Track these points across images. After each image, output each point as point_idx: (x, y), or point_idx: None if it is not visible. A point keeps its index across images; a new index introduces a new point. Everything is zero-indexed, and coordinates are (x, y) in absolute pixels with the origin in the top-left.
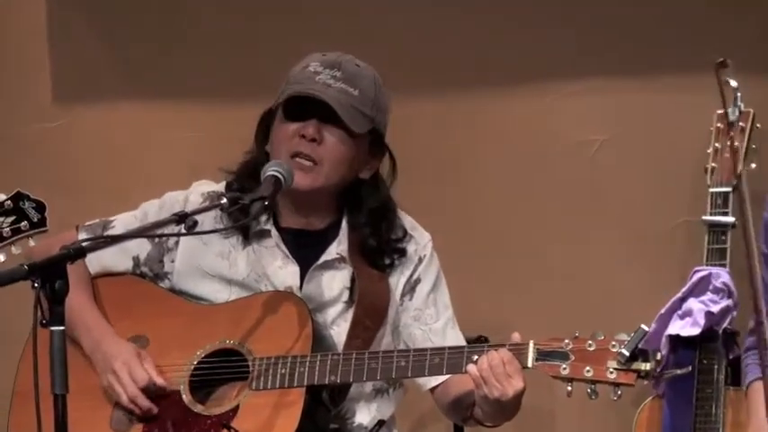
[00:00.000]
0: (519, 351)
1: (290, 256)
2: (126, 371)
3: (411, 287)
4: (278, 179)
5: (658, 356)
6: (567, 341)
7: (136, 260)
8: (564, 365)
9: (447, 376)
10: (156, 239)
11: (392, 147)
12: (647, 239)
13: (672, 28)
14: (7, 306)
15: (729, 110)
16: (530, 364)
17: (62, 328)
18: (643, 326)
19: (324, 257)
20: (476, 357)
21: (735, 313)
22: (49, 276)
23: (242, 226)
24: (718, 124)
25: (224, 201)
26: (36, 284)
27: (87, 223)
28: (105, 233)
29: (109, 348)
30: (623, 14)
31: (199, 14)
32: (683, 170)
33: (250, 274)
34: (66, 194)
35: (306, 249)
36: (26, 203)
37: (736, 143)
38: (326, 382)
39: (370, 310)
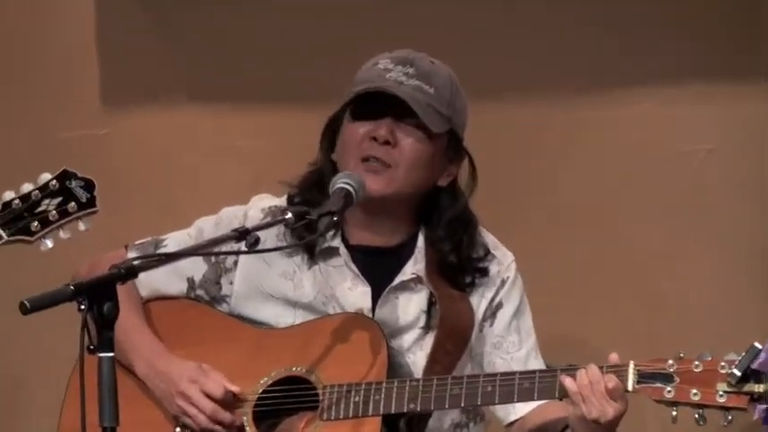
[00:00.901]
0: (618, 373)
1: (361, 276)
2: (196, 388)
3: (492, 312)
4: (348, 192)
5: None
6: (670, 362)
7: (190, 282)
8: (668, 388)
9: (530, 407)
10: (213, 259)
11: (474, 157)
12: (751, 257)
13: None
14: (52, 329)
15: None
16: (630, 387)
17: (111, 354)
18: (756, 344)
19: (399, 278)
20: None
21: None
22: (98, 298)
23: (308, 243)
24: None
25: (288, 216)
26: (83, 306)
27: (137, 242)
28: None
29: (169, 369)
30: (726, 14)
31: (262, 12)
32: None
33: (317, 296)
34: (113, 208)
35: (378, 269)
36: (73, 183)
37: None
38: (405, 411)
39: (453, 334)
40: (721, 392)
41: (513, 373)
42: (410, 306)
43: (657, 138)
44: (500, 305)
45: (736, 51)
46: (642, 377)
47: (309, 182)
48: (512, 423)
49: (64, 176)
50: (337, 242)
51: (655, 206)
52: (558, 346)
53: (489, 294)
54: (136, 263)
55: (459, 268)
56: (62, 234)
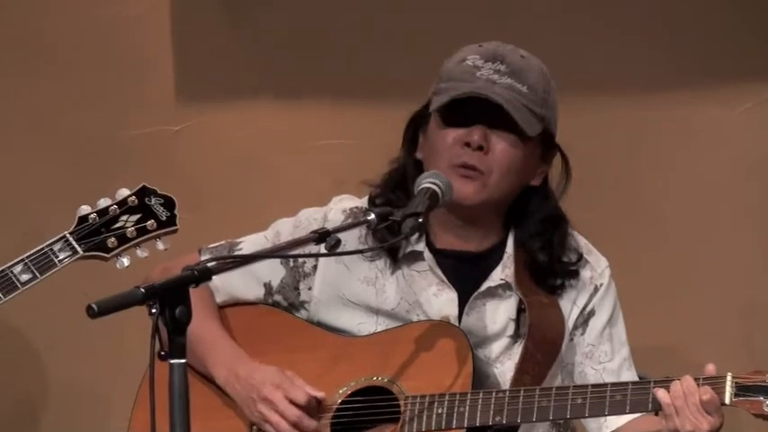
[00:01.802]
0: (715, 385)
1: (447, 282)
2: (280, 394)
3: (584, 320)
4: (434, 192)
5: None
6: None
7: (268, 287)
8: None
9: (623, 420)
10: (292, 264)
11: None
12: None
13: None
14: (122, 333)
15: None
16: (727, 400)
17: (183, 361)
18: None
19: (486, 284)
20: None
21: None
22: (169, 301)
23: (392, 247)
24: None
25: (371, 217)
26: (154, 310)
27: (211, 245)
28: None
29: (250, 375)
30: None
31: (342, 8)
32: None
33: (400, 303)
34: (187, 208)
35: (465, 274)
36: (153, 200)
37: None
38: (490, 423)
39: (543, 343)
40: None
41: (605, 385)
42: (498, 314)
43: (756, 141)
44: (592, 312)
45: None
46: (740, 390)
47: (392, 182)
48: None
49: (143, 193)
50: (422, 246)
51: (750, 213)
52: (653, 357)
53: (581, 301)
54: (210, 265)
55: (549, 270)
56: (139, 252)
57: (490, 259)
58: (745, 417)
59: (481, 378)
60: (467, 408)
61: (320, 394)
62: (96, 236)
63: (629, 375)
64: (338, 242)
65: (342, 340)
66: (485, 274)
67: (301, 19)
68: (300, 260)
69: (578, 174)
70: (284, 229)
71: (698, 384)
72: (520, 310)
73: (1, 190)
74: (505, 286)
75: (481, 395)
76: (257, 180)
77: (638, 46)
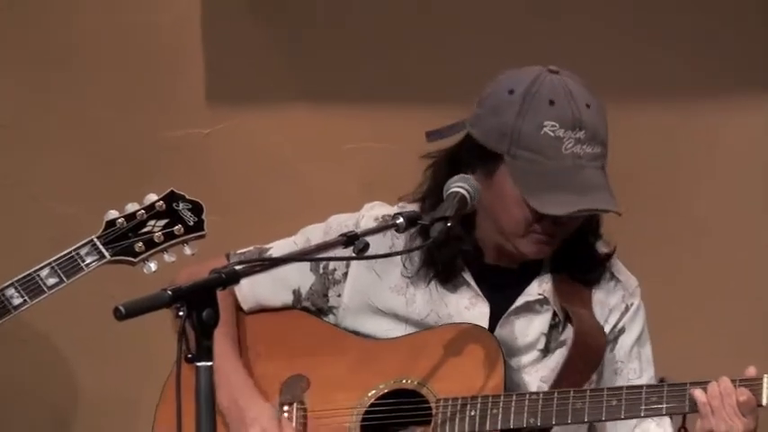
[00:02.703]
0: (752, 387)
1: (481, 294)
2: None
3: (614, 337)
4: (463, 197)
5: None
6: None
7: (296, 293)
8: None
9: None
10: (322, 270)
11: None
12: None
13: None
14: (149, 338)
15: None
16: (765, 401)
17: (210, 363)
18: None
19: (523, 298)
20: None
21: None
22: (197, 304)
23: (419, 249)
24: None
25: (400, 221)
26: (181, 313)
27: (239, 251)
28: None
29: (246, 409)
30: None
31: (373, 9)
32: None
33: (429, 314)
34: (216, 211)
35: (500, 287)
36: (181, 205)
37: None
38: (524, 426)
39: (586, 351)
40: None
41: (640, 387)
42: (531, 328)
43: None
44: (622, 330)
45: None
46: None
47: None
48: None
49: (171, 198)
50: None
51: None
52: (693, 360)
53: (612, 320)
54: (238, 268)
55: (583, 259)
56: (167, 257)
57: (526, 272)
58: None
59: (511, 386)
60: (500, 410)
61: None
62: (124, 240)
63: None
64: (366, 246)
65: (370, 343)
66: (521, 288)
67: (332, 22)
68: (331, 267)
69: (623, 178)
70: (314, 235)
71: (734, 386)
72: (552, 326)
73: (30, 193)
74: (543, 301)
75: (514, 397)
76: (287, 183)
77: (669, 55)
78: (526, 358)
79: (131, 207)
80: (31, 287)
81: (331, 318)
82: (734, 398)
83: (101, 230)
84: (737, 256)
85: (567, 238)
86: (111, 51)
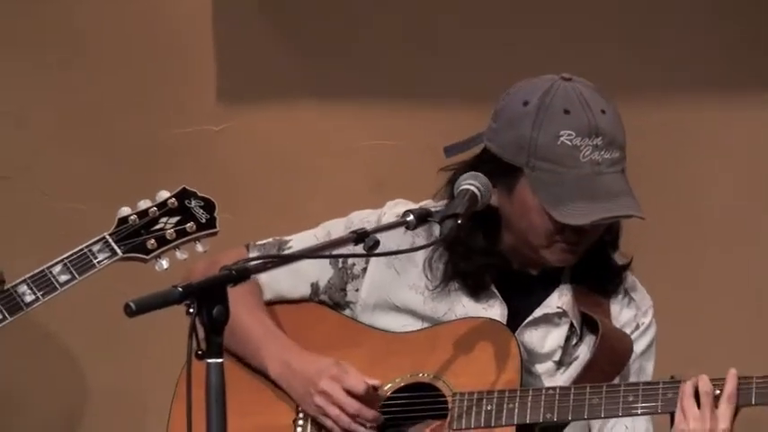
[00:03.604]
0: (740, 386)
1: (500, 297)
2: (338, 386)
3: None
4: (473, 194)
5: None
6: None
7: (314, 287)
8: None
9: None
10: (341, 264)
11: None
12: None
13: None
14: (160, 335)
15: None
16: (753, 400)
17: (220, 360)
18: None
19: (542, 310)
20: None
21: None
22: (207, 301)
23: (430, 246)
24: None
25: (410, 218)
26: (192, 309)
27: (260, 242)
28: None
29: (305, 368)
30: None
31: (385, 7)
32: None
33: (447, 313)
34: (228, 208)
35: (519, 292)
36: (193, 202)
37: None
38: (540, 420)
39: (612, 354)
40: None
41: (657, 383)
42: (547, 340)
43: None
44: None
45: None
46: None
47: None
48: None
49: (183, 195)
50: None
51: None
52: (703, 359)
53: None
54: (249, 264)
55: (603, 267)
56: (179, 254)
57: (546, 282)
58: (765, 418)
59: (526, 384)
60: (516, 405)
61: (376, 382)
62: (136, 237)
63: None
64: (376, 243)
65: (387, 337)
66: (539, 295)
67: (343, 19)
68: (350, 262)
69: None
70: (336, 229)
71: (714, 385)
72: (567, 338)
73: (42, 190)
74: (561, 314)
75: (531, 392)
76: (298, 180)
77: (670, 55)
78: (540, 367)
79: (143, 204)
80: (44, 284)
81: (347, 312)
82: (711, 397)
83: (113, 227)
84: (743, 255)
85: (590, 247)
86: (122, 49)
